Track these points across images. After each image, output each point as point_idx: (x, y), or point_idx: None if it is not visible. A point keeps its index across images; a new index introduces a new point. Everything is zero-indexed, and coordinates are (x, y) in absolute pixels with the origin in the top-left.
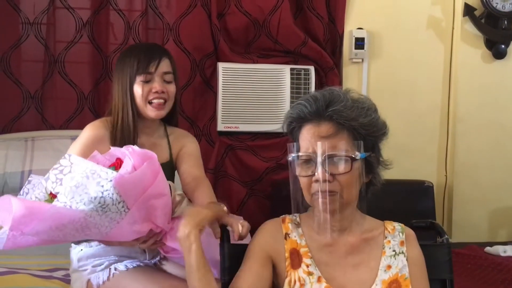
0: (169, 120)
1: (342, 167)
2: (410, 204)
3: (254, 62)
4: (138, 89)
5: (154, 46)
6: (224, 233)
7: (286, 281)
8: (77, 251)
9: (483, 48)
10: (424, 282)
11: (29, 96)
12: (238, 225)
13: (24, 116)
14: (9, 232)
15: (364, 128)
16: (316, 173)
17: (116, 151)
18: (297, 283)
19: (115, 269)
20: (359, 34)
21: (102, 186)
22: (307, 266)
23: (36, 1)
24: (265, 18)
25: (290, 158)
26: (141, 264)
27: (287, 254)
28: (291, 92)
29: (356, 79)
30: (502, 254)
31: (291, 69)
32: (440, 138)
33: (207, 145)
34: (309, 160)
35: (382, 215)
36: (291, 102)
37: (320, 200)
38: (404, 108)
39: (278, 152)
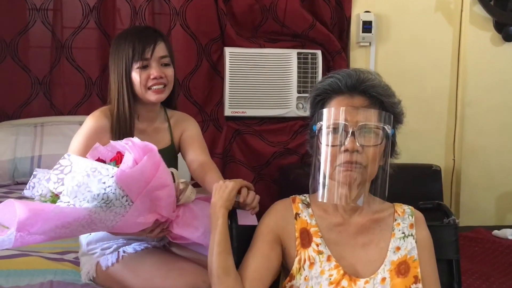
0: (168, 103)
1: (372, 139)
2: (418, 188)
3: (261, 46)
4: (136, 76)
5: (148, 30)
6: (231, 214)
7: (296, 259)
8: (86, 235)
9: (492, 31)
10: (432, 264)
11: (38, 82)
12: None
13: (33, 102)
14: (16, 233)
15: (392, 107)
16: (345, 143)
17: (116, 144)
18: (307, 262)
19: (124, 251)
20: (367, 17)
21: (104, 182)
22: (317, 245)
23: None
24: (272, 1)
25: (317, 127)
26: (150, 246)
27: (297, 234)
28: (298, 77)
29: (364, 63)
30: (510, 237)
31: (298, 53)
32: (448, 121)
33: (215, 130)
34: (338, 130)
35: (390, 198)
36: (298, 87)
37: (344, 171)
38: (412, 92)
39: (286, 136)
